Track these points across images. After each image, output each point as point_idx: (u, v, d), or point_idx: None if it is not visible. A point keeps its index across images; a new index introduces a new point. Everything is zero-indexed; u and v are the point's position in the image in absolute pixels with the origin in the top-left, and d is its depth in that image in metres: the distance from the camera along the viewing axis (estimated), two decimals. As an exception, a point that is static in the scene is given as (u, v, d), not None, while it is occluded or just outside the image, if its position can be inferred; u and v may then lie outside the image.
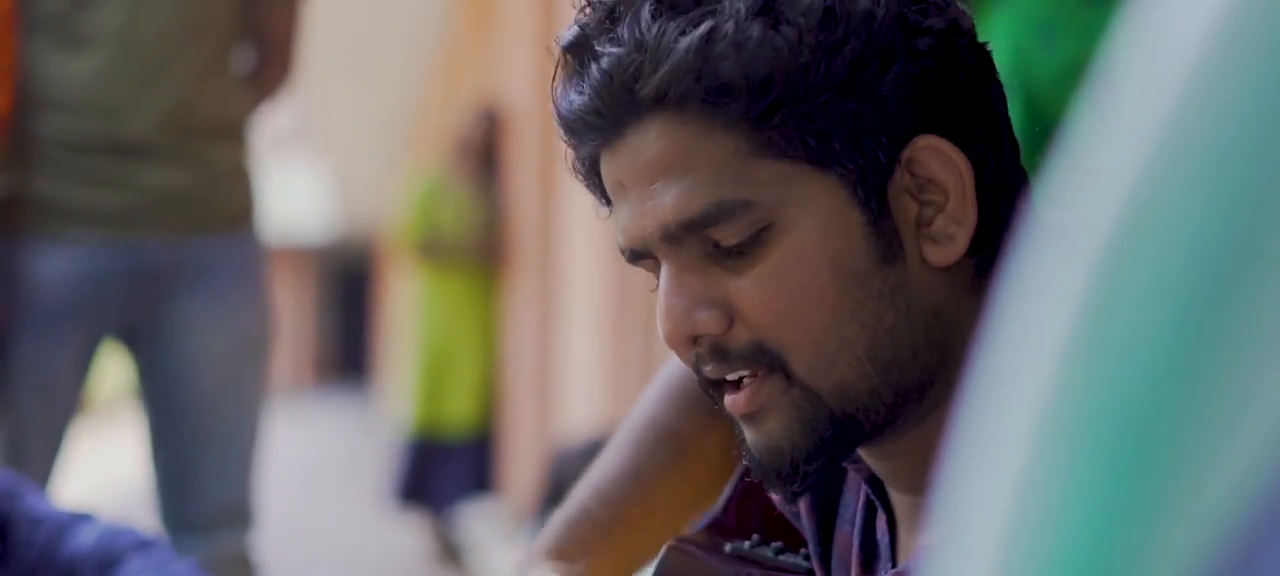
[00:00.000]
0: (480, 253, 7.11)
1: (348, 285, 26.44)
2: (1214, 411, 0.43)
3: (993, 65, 1.14)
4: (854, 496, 1.26)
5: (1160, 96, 0.45)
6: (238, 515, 3.07)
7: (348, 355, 26.64)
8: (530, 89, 7.15)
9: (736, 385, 1.14)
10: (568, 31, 1.14)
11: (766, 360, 1.12)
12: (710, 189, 1.09)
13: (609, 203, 1.17)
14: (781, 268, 1.10)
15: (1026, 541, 0.45)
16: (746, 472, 1.20)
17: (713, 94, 1.09)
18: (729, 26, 1.07)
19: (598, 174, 1.16)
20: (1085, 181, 0.46)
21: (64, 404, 2.98)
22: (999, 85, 1.14)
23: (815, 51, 1.07)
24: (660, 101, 1.10)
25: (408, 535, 8.22)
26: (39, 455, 2.89)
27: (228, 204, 3.08)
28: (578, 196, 6.45)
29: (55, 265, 2.95)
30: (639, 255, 1.15)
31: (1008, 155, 1.13)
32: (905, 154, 1.10)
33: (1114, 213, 0.45)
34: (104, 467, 9.84)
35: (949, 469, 0.50)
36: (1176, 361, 0.43)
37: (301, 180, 21.22)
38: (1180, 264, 0.44)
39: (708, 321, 1.12)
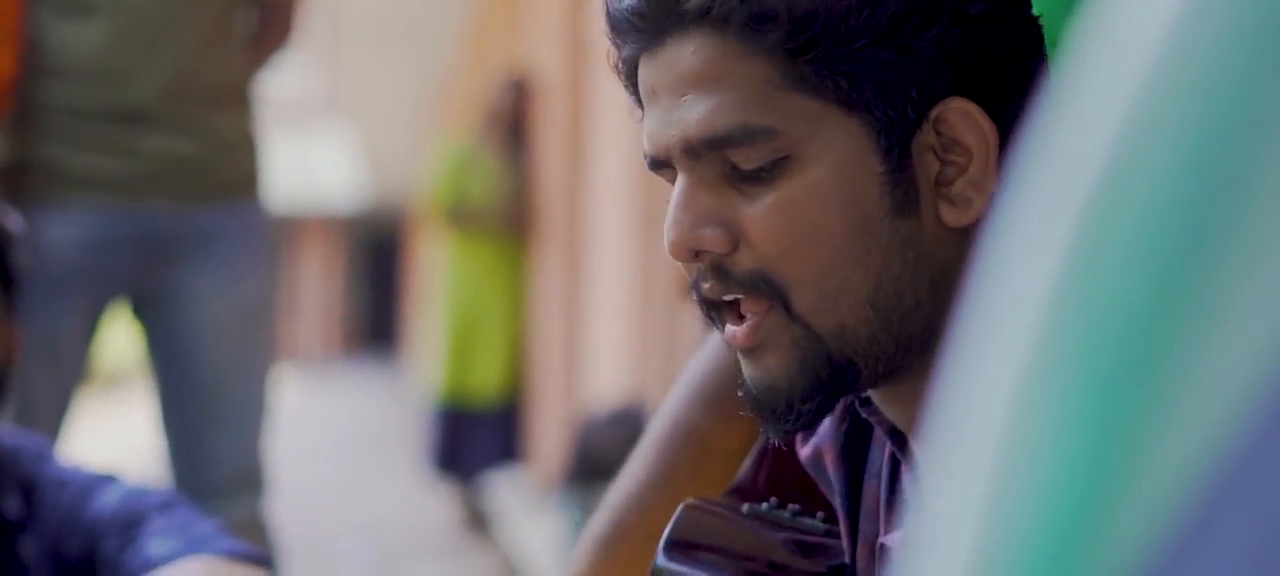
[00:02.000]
0: (508, 221, 7.12)
1: (377, 254, 26.46)
2: (1193, 355, 0.44)
3: (1042, 40, 1.13)
4: (881, 450, 1.26)
5: (1145, 42, 0.46)
6: (250, 481, 3.08)
7: (377, 324, 26.68)
8: (559, 59, 7.15)
9: (738, 314, 1.14)
10: None
11: (766, 290, 1.12)
12: (737, 110, 1.10)
13: (643, 106, 1.18)
14: (794, 201, 1.11)
15: (1015, 480, 0.46)
16: (769, 438, 1.21)
17: (754, 19, 1.09)
18: None
19: (635, 76, 1.17)
20: (1070, 128, 0.47)
21: (71, 370, 3.00)
22: (1045, 60, 1.13)
23: None
24: (703, 16, 1.11)
25: (436, 503, 8.24)
26: (45, 420, 2.91)
27: (232, 171, 3.09)
28: (605, 166, 6.46)
29: (60, 231, 2.96)
30: (660, 163, 1.16)
31: None
32: (934, 112, 1.10)
33: (1098, 159, 0.46)
34: (115, 437, 9.88)
35: (938, 410, 0.51)
36: (1157, 307, 0.44)
37: (331, 150, 21.24)
38: (1163, 205, 0.45)
39: (713, 238, 1.13)
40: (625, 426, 5.51)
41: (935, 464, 0.49)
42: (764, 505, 1.32)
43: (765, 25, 1.09)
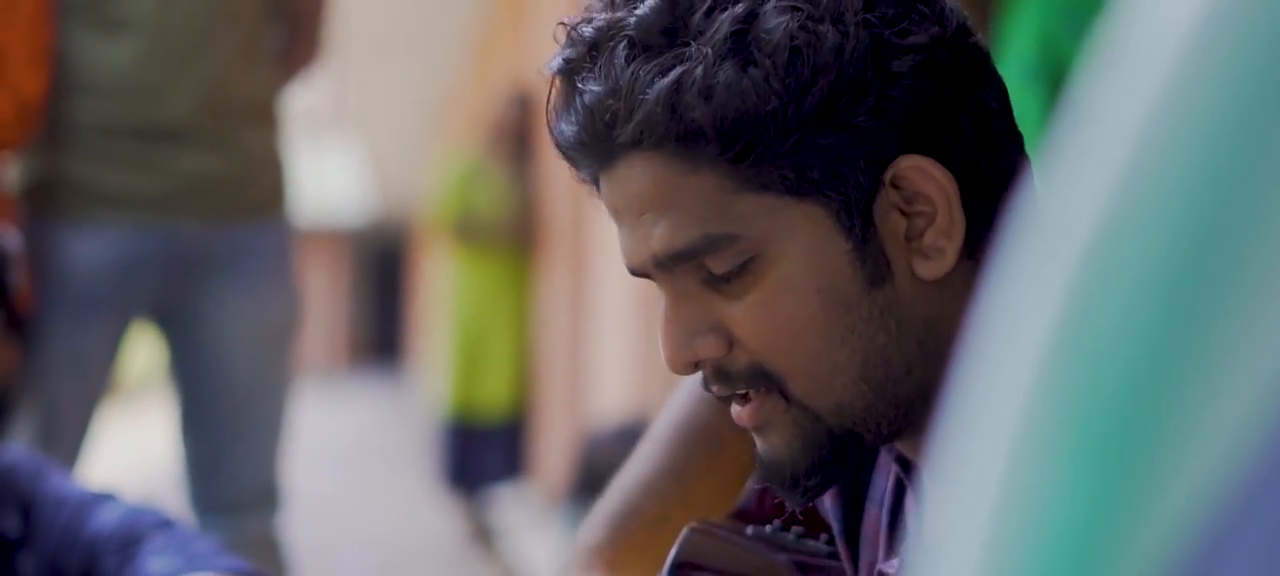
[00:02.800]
0: (514, 236, 7.12)
1: (382, 268, 26.46)
2: (1192, 403, 0.44)
3: (986, 63, 1.14)
4: (884, 477, 1.27)
5: (1142, 92, 0.46)
6: (266, 497, 3.09)
7: (382, 338, 26.66)
8: (564, 73, 7.15)
9: (743, 396, 1.16)
10: (554, 60, 1.15)
11: (765, 381, 1.14)
12: (696, 223, 1.11)
13: None
14: (771, 297, 1.12)
15: (1011, 531, 0.46)
16: None
17: (685, 139, 1.10)
18: (698, 72, 1.08)
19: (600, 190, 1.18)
20: (1069, 178, 0.48)
21: (95, 384, 3.00)
22: (994, 83, 1.14)
23: (783, 94, 1.08)
24: (637, 144, 1.11)
25: (440, 516, 8.24)
26: (69, 434, 2.91)
27: (261, 189, 3.09)
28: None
29: (89, 248, 2.96)
30: (639, 273, 1.17)
31: (1006, 151, 1.13)
32: (888, 174, 1.10)
33: (1096, 210, 0.46)
34: (134, 449, 9.89)
35: (938, 460, 0.51)
36: (1156, 356, 0.45)
37: (337, 163, 21.24)
38: (1160, 259, 0.45)
39: (707, 346, 1.15)
40: (630, 441, 5.49)
41: (933, 516, 0.50)
42: (768, 527, 1.32)
43: (697, 142, 1.10)
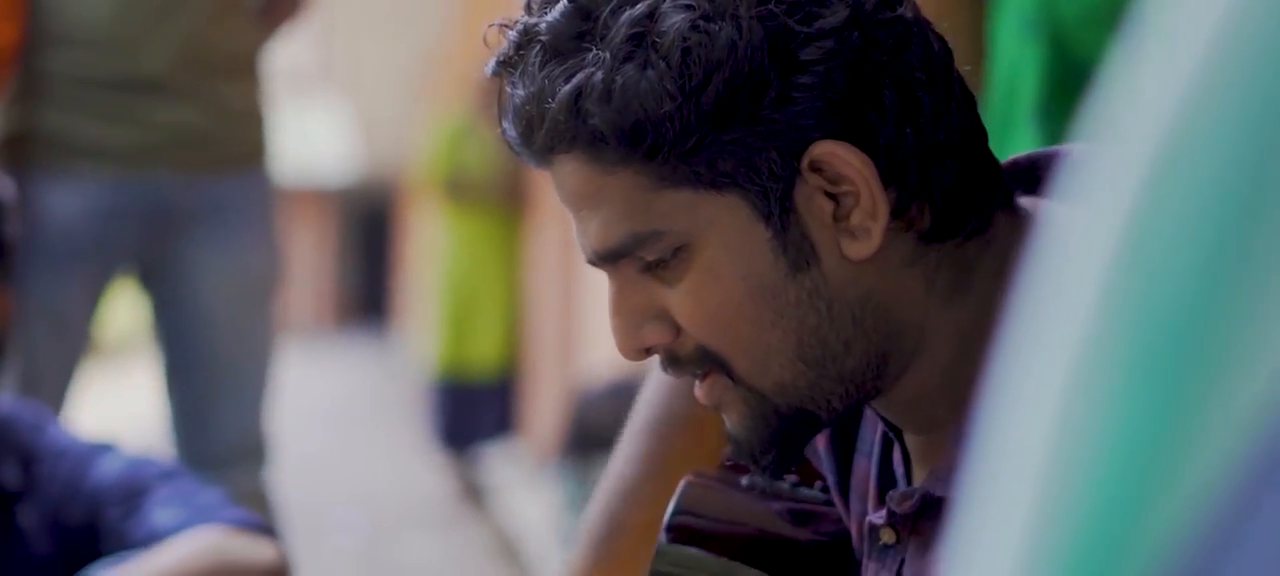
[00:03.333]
0: (504, 194, 7.12)
1: (369, 227, 26.44)
2: (1251, 324, 0.44)
3: (913, 32, 1.14)
4: (871, 429, 1.30)
5: (1200, 25, 0.46)
6: (253, 452, 3.09)
7: (368, 297, 26.65)
8: (554, 31, 7.14)
9: (702, 376, 1.19)
10: (490, 63, 1.18)
11: (712, 363, 1.16)
12: (622, 220, 1.14)
13: None
14: (699, 285, 1.15)
15: (1069, 455, 0.46)
16: None
17: (591, 143, 1.12)
18: (598, 77, 1.10)
19: None
20: (1127, 109, 0.48)
21: (76, 339, 3.00)
22: (920, 45, 1.14)
23: (678, 95, 1.10)
24: (550, 151, 1.14)
25: (430, 475, 8.25)
26: (50, 389, 2.91)
27: (240, 143, 3.09)
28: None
29: (66, 200, 2.96)
30: (591, 264, 1.20)
31: (940, 120, 1.14)
32: (805, 160, 1.12)
33: (1155, 139, 0.46)
34: (119, 408, 9.88)
35: (989, 388, 0.51)
36: (1215, 276, 0.45)
37: (323, 121, 21.21)
38: (1219, 180, 0.45)
39: (654, 333, 1.17)
40: (622, 399, 5.50)
41: (985, 449, 0.50)
42: (762, 477, 1.33)
43: (602, 147, 1.12)
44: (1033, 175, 1.23)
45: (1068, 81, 1.82)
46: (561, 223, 7.07)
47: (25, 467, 2.07)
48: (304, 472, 7.55)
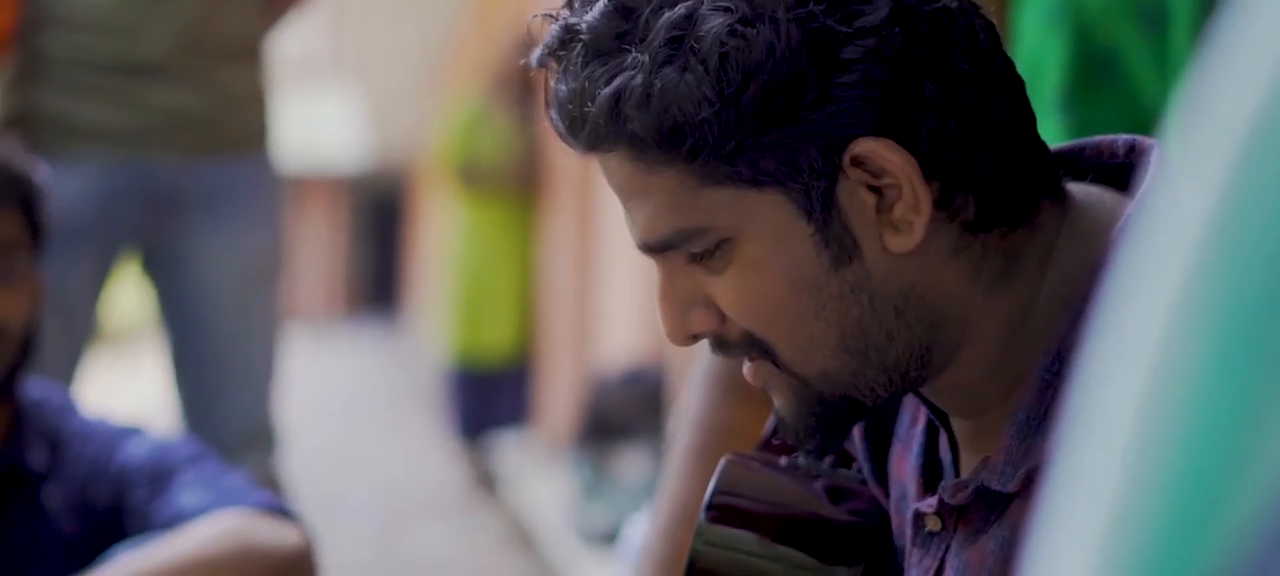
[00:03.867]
0: (518, 181, 7.13)
1: (380, 215, 26.45)
2: None
3: (956, 24, 1.14)
4: (909, 417, 1.30)
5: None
6: (261, 436, 3.08)
7: (379, 285, 26.68)
8: (569, 19, 7.13)
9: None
10: (536, 53, 1.18)
11: (758, 349, 1.18)
12: (667, 216, 1.15)
13: None
14: (742, 277, 1.16)
15: (1158, 430, 0.46)
16: None
17: (633, 145, 1.13)
18: (638, 80, 1.11)
19: None
20: (1216, 96, 0.48)
21: (81, 324, 3.00)
22: (969, 41, 1.14)
23: (716, 99, 1.10)
24: (595, 147, 1.15)
25: (443, 463, 8.26)
26: (56, 375, 2.89)
27: (240, 126, 3.09)
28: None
29: (67, 184, 2.95)
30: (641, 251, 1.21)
31: (985, 111, 1.14)
32: (846, 157, 1.12)
33: (1244, 126, 0.46)
34: (127, 394, 9.90)
35: (1084, 364, 0.51)
36: None
37: (334, 109, 21.21)
38: None
39: (701, 320, 1.19)
40: (637, 387, 5.52)
41: (1068, 447, 0.50)
42: (801, 458, 1.34)
43: (643, 148, 1.13)
44: (1075, 163, 1.24)
45: (1091, 71, 1.82)
46: (576, 209, 7.07)
47: (52, 450, 2.08)
48: (317, 460, 7.56)
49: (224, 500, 2.01)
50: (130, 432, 2.12)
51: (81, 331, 3.01)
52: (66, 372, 2.96)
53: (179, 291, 3.08)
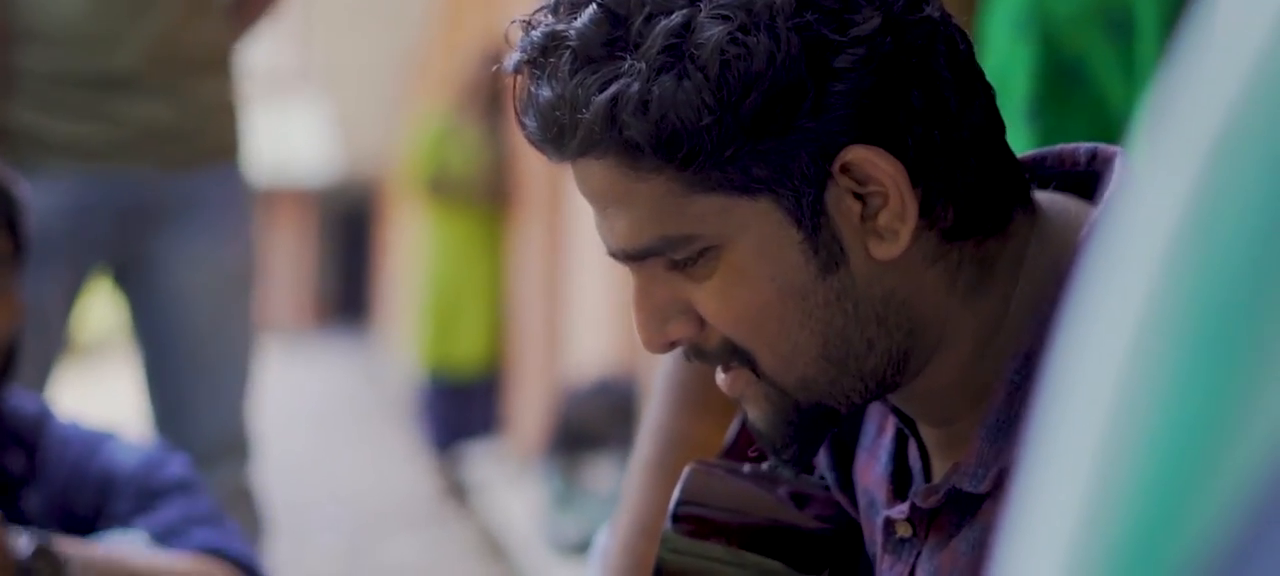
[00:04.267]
0: (488, 193, 7.13)
1: (349, 227, 26.39)
2: None
3: (938, 32, 1.15)
4: (876, 426, 1.31)
5: (1260, 14, 0.47)
6: (236, 447, 3.08)
7: (348, 297, 26.62)
8: (537, 30, 7.13)
9: (724, 367, 1.20)
10: (511, 59, 1.17)
11: (738, 357, 1.18)
12: (652, 223, 1.15)
13: None
14: (728, 285, 1.16)
15: (1128, 424, 0.47)
16: None
17: (626, 151, 1.13)
18: (634, 88, 1.11)
19: None
20: (1184, 100, 0.48)
21: (51, 337, 2.99)
22: (949, 49, 1.15)
23: (716, 107, 1.10)
24: (586, 152, 1.14)
25: (412, 474, 8.25)
26: (29, 387, 2.90)
27: (213, 138, 3.09)
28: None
29: (40, 198, 2.94)
30: (614, 257, 1.20)
31: (964, 118, 1.15)
32: (836, 164, 1.13)
33: (1213, 125, 0.47)
34: (99, 407, 9.89)
35: (1054, 364, 0.52)
36: (1266, 274, 0.45)
37: (302, 121, 21.17)
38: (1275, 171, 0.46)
39: (679, 328, 1.19)
40: (607, 397, 5.53)
41: (1037, 446, 0.51)
42: (765, 464, 1.34)
43: (636, 155, 1.13)
44: (1038, 172, 1.25)
45: (1058, 80, 1.83)
46: (546, 220, 7.08)
47: (30, 455, 2.09)
48: (287, 472, 7.54)
49: (210, 544, 2.04)
50: (107, 437, 2.13)
51: (54, 345, 3.00)
52: (39, 386, 2.95)
53: (152, 303, 3.08)
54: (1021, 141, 1.81)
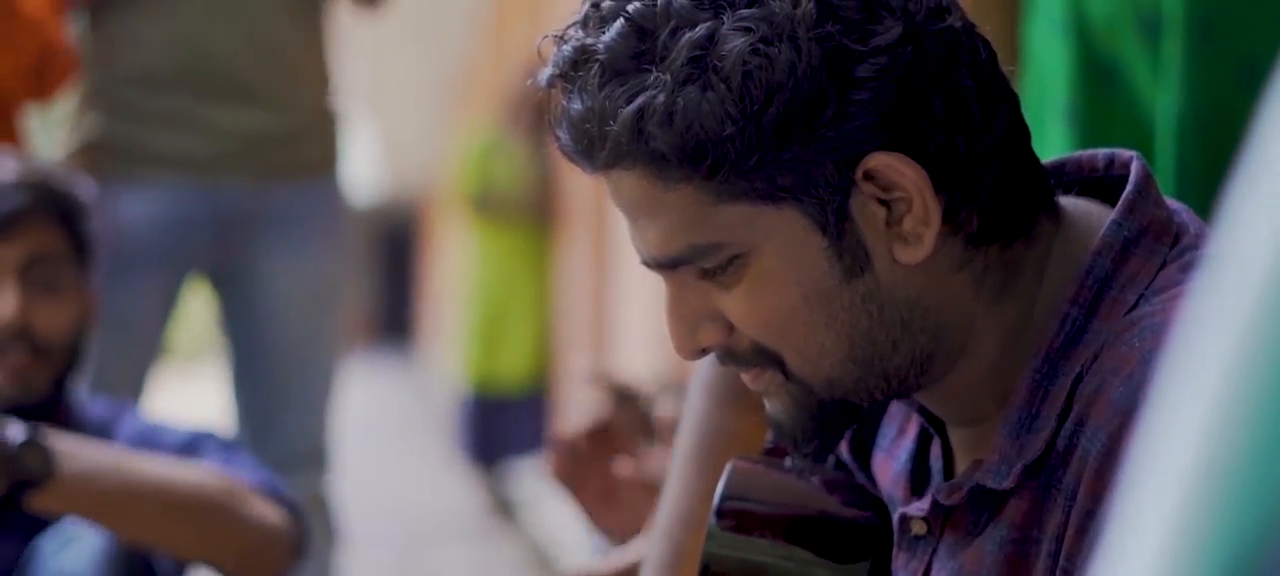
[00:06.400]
0: (534, 209, 7.15)
1: (393, 247, 26.42)
2: None
3: (961, 41, 1.17)
4: (897, 427, 1.34)
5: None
6: (315, 457, 3.11)
7: (392, 317, 26.63)
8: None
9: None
10: (544, 72, 1.20)
11: (767, 359, 1.21)
12: (681, 233, 1.17)
13: None
14: (755, 291, 1.18)
15: (1214, 470, 0.48)
16: None
17: (653, 162, 1.15)
18: (660, 100, 1.13)
19: None
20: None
21: (147, 347, 3.02)
22: (971, 57, 1.18)
23: (739, 117, 1.13)
24: (614, 164, 1.16)
25: (461, 490, 8.26)
26: (120, 394, 2.93)
27: (311, 148, 3.11)
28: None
29: (139, 207, 2.98)
30: (647, 266, 1.23)
31: (987, 125, 1.17)
32: (860, 171, 1.15)
33: None
34: (188, 411, 9.91)
35: (1151, 404, 0.52)
36: None
37: (348, 141, 21.21)
38: None
39: (710, 333, 1.22)
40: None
41: (1138, 463, 0.52)
42: (798, 459, 1.37)
43: (663, 166, 1.15)
44: (1068, 176, 1.28)
45: (1097, 82, 1.84)
46: (592, 235, 7.09)
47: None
48: (334, 488, 7.56)
49: (232, 466, 2.07)
50: (172, 427, 2.18)
51: (146, 356, 3.03)
52: (134, 391, 2.99)
53: (246, 310, 3.11)
54: (1061, 144, 1.82)
